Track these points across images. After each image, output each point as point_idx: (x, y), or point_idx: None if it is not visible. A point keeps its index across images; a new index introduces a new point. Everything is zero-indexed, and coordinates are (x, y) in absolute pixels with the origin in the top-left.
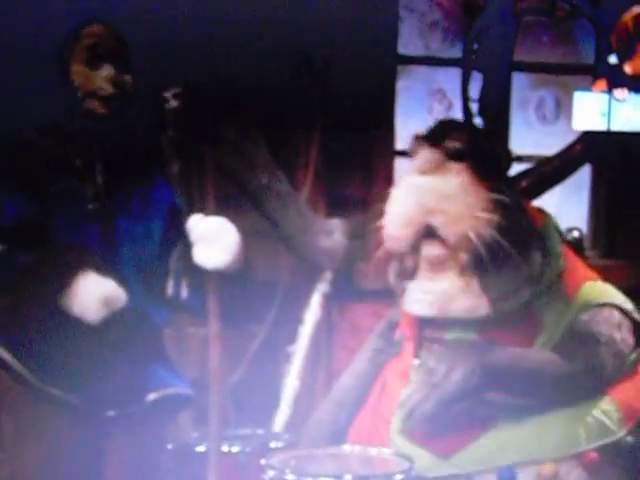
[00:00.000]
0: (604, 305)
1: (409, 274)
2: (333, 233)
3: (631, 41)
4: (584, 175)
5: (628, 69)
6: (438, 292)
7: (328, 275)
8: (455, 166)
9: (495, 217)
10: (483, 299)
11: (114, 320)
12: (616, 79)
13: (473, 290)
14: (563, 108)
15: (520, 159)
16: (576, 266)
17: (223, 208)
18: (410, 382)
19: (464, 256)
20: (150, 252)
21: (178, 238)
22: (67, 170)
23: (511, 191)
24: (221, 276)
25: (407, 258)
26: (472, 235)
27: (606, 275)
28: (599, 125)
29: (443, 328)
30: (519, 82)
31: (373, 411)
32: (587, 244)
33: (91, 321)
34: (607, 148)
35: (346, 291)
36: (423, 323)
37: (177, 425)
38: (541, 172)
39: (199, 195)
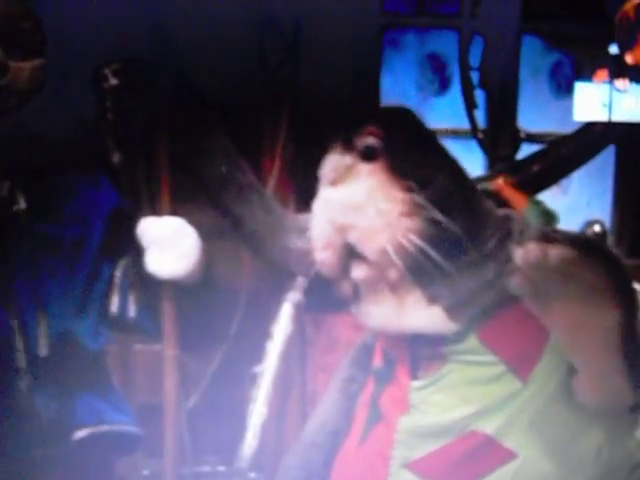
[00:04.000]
0: None
1: (354, 298)
2: (306, 231)
3: (632, 31)
4: (608, 159)
5: (629, 59)
6: (383, 315)
7: (300, 281)
8: (366, 167)
9: (417, 221)
10: (436, 311)
11: (32, 348)
12: (617, 69)
13: (420, 304)
14: (583, 76)
15: (531, 139)
16: None
17: (175, 203)
18: (410, 407)
19: (392, 272)
20: (84, 264)
21: (123, 246)
22: None
23: (449, 175)
24: (178, 288)
25: (343, 283)
26: (389, 249)
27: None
28: (600, 116)
29: (438, 341)
30: (529, 46)
31: (361, 447)
32: (610, 240)
33: None
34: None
35: (322, 300)
36: (413, 340)
37: (125, 461)
38: (556, 155)
39: (147, 192)
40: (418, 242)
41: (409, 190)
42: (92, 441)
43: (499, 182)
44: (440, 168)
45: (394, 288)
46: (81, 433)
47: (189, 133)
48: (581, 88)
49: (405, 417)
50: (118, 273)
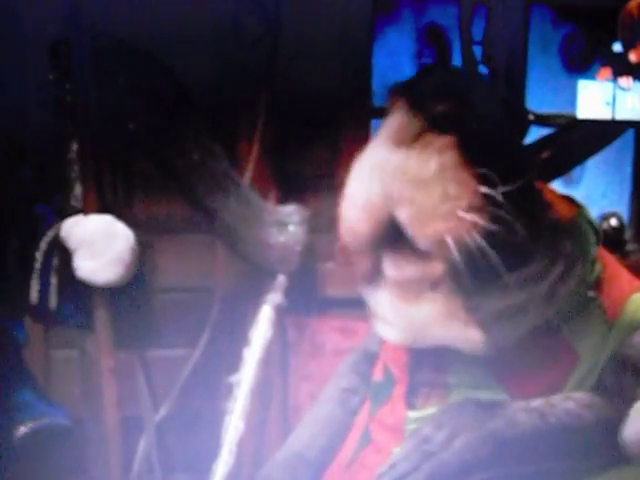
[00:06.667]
0: None
1: (375, 280)
2: (287, 225)
3: (636, 29)
4: (626, 144)
5: (633, 57)
6: (409, 316)
7: (281, 281)
8: (439, 139)
9: (484, 219)
10: (472, 326)
11: None
12: (621, 67)
13: (456, 314)
14: (599, 49)
15: (540, 121)
16: (619, 275)
17: (141, 194)
18: (405, 439)
19: (439, 267)
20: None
21: (41, 229)
22: None
23: (521, 177)
24: (110, 292)
25: (371, 259)
26: (449, 240)
27: None
28: (604, 114)
29: (443, 368)
30: (539, 17)
31: (348, 471)
32: (628, 235)
33: None
34: None
35: (305, 302)
36: (415, 361)
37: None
38: (568, 139)
39: (111, 182)
40: (481, 241)
41: (485, 181)
42: (35, 434)
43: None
44: (525, 164)
45: (436, 287)
46: (25, 428)
47: (157, 116)
48: (584, 86)
49: (398, 449)
50: (38, 256)
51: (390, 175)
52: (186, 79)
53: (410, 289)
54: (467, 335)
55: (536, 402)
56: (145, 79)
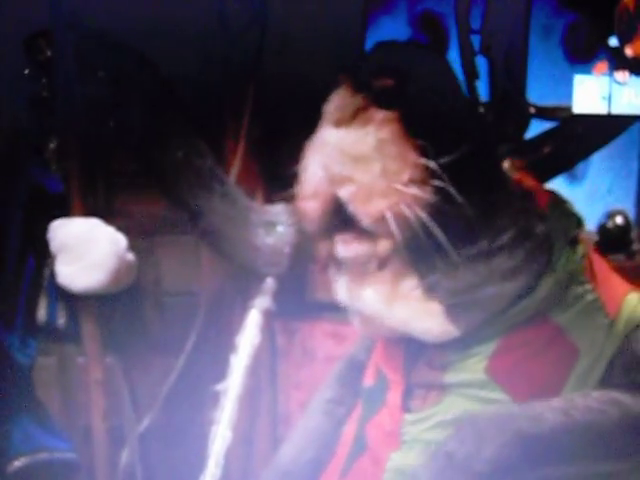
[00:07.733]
0: None
1: (333, 267)
2: (276, 225)
3: (632, 22)
4: (632, 137)
5: (629, 51)
6: (370, 299)
7: (270, 284)
8: (379, 115)
9: (426, 192)
10: (433, 307)
11: None
12: (617, 61)
13: (413, 295)
14: (603, 39)
15: (541, 114)
16: (610, 277)
17: (122, 194)
18: (402, 444)
19: (385, 244)
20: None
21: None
22: None
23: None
24: (98, 300)
25: (324, 245)
26: (388, 216)
27: None
28: (600, 109)
29: (439, 368)
30: (541, 5)
31: None
32: (635, 234)
33: None
34: None
35: (295, 306)
36: (410, 362)
37: None
38: (571, 133)
39: (90, 183)
40: (423, 216)
41: (424, 153)
42: (30, 470)
43: (518, 169)
44: (466, 134)
45: (383, 266)
46: (18, 462)
47: (140, 112)
48: (580, 81)
49: (396, 454)
50: (45, 272)
51: (329, 155)
52: (170, 73)
53: (362, 269)
54: (430, 318)
55: (557, 401)
56: (127, 73)
